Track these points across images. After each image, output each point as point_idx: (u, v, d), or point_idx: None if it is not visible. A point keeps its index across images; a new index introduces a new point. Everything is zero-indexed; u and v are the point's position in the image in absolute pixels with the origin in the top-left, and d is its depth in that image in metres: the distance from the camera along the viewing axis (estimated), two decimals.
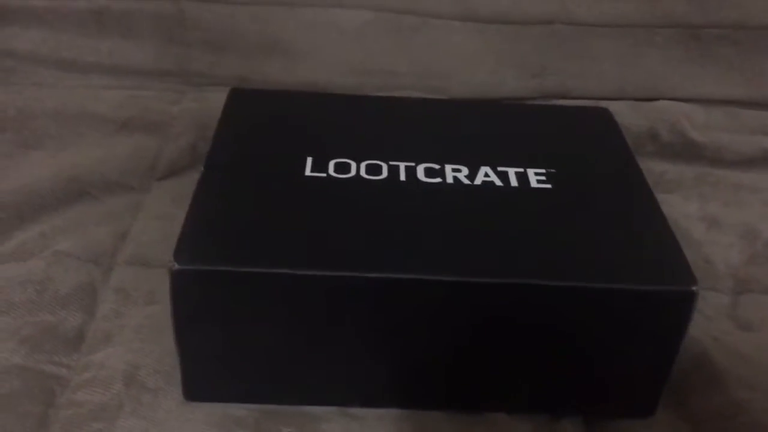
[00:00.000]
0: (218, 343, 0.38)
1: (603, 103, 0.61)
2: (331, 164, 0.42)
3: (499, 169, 0.42)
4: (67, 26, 0.62)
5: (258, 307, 0.36)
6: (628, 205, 0.42)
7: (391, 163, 0.42)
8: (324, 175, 0.41)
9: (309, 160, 0.42)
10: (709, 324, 0.46)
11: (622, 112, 0.59)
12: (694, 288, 0.36)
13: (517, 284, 0.36)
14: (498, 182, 0.42)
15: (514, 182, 0.42)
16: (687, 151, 0.59)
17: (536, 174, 0.42)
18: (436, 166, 0.42)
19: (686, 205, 0.55)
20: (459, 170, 0.42)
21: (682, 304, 0.36)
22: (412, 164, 0.42)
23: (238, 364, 0.38)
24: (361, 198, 0.40)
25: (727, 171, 0.58)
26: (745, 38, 0.60)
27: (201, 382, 0.39)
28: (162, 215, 0.51)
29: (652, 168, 0.58)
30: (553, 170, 0.43)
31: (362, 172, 0.42)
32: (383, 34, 0.62)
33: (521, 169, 0.43)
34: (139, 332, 0.43)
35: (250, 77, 0.63)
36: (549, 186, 0.42)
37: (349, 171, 0.42)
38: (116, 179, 0.54)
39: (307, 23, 0.62)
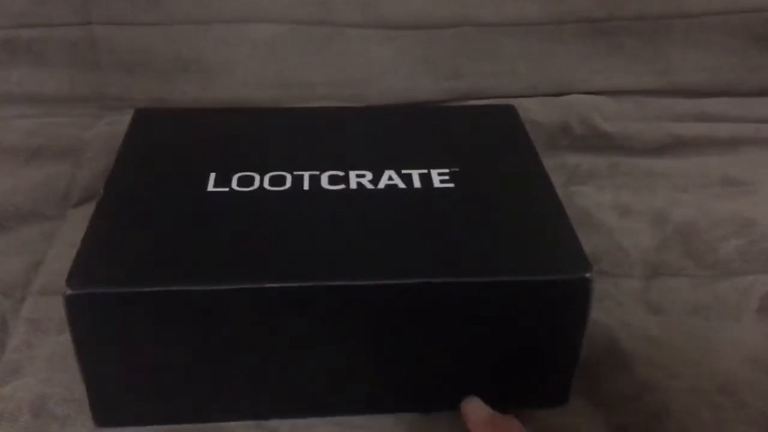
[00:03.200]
0: (122, 366, 0.37)
1: (516, 101, 0.61)
2: (235, 178, 0.42)
3: (403, 171, 0.43)
4: None
5: (157, 326, 0.36)
6: (528, 200, 0.43)
7: (295, 173, 0.43)
8: (226, 189, 0.41)
9: (212, 176, 0.42)
10: (621, 309, 0.47)
11: (535, 109, 0.61)
12: (588, 275, 0.37)
13: (419, 283, 0.36)
14: (401, 185, 0.42)
15: (417, 184, 0.42)
16: (599, 142, 0.60)
17: (439, 174, 0.43)
18: (341, 173, 0.43)
19: (600, 194, 0.56)
20: (363, 176, 0.43)
21: (580, 291, 0.37)
22: (317, 173, 0.43)
23: (144, 385, 0.38)
24: (263, 209, 0.40)
25: (639, 159, 0.59)
26: (648, 28, 0.62)
27: (110, 407, 0.38)
28: (77, 243, 0.50)
29: (567, 161, 0.60)
30: (456, 169, 0.44)
31: (266, 184, 0.42)
32: (297, 46, 0.62)
33: (425, 171, 0.43)
34: (49, 362, 0.42)
35: (166, 97, 0.62)
36: (452, 185, 0.42)
37: (252, 184, 0.42)
38: (29, 208, 0.53)
39: (220, 40, 0.62)
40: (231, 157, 0.44)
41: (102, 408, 0.38)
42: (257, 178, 0.42)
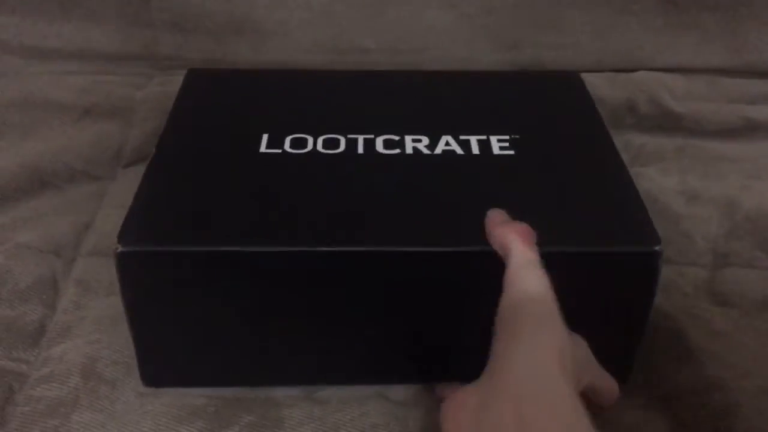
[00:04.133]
0: (171, 326, 0.37)
1: (582, 76, 0.59)
2: (287, 140, 0.41)
3: (461, 137, 0.41)
4: (30, 11, 0.61)
5: (205, 287, 0.35)
6: (592, 168, 0.40)
7: (349, 136, 0.41)
8: (279, 151, 0.40)
9: (264, 138, 0.41)
10: (686, 300, 0.45)
11: (599, 84, 0.58)
12: (657, 248, 0.34)
13: (470, 252, 0.34)
14: (459, 150, 0.40)
15: (475, 150, 0.40)
16: (666, 122, 0.57)
17: (499, 141, 0.41)
18: (396, 138, 0.41)
19: (665, 178, 0.54)
20: (419, 140, 0.41)
21: (648, 264, 0.35)
22: (371, 137, 0.41)
23: (191, 347, 0.37)
24: (315, 172, 0.39)
25: (708, 142, 0.56)
26: (725, 4, 0.58)
27: (158, 367, 0.38)
28: (127, 204, 0.49)
29: (631, 141, 0.57)
30: (516, 136, 0.41)
31: (319, 147, 0.40)
32: (353, 10, 0.60)
33: (484, 137, 0.41)
34: (99, 324, 0.42)
35: (218, 58, 0.61)
36: (512, 152, 0.40)
37: (305, 146, 0.41)
38: (80, 168, 0.52)
39: (276, 1, 0.60)
40: (284, 119, 0.43)
41: (150, 368, 0.38)
42: (310, 140, 0.41)
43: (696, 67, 0.60)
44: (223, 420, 0.37)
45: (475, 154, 0.40)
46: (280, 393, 0.39)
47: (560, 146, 0.42)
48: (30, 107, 0.56)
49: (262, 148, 0.40)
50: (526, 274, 0.32)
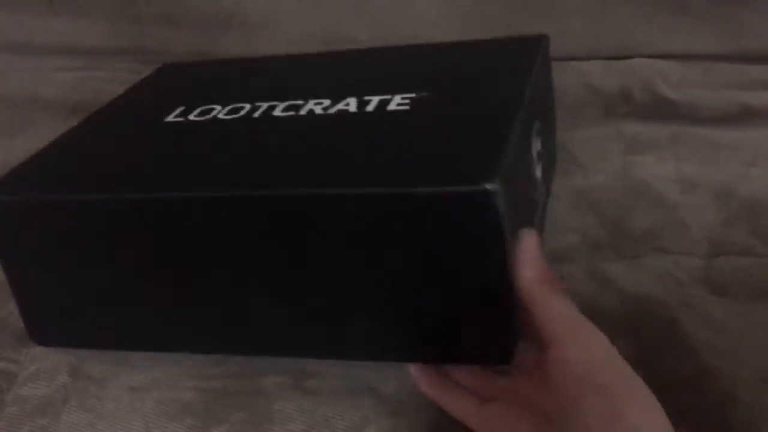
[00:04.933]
0: (49, 283, 0.36)
1: (573, 63, 0.59)
2: (197, 111, 0.42)
3: (365, 98, 0.40)
4: (19, 7, 0.60)
5: (81, 239, 0.35)
6: (475, 122, 0.36)
7: (256, 104, 0.41)
8: (182, 119, 0.41)
9: (178, 110, 0.42)
10: (681, 289, 0.44)
11: (593, 72, 0.57)
12: (488, 186, 0.29)
13: (293, 195, 0.32)
14: (353, 109, 0.39)
15: (371, 108, 0.39)
16: (661, 110, 0.57)
17: (402, 99, 0.39)
18: (300, 102, 0.41)
19: (661, 166, 0.53)
20: (320, 103, 0.40)
21: (481, 209, 0.29)
22: (275, 103, 0.41)
23: (74, 305, 0.37)
24: (204, 134, 0.40)
25: (704, 129, 0.56)
26: None
27: (43, 326, 0.38)
28: None
29: (626, 129, 0.56)
30: (424, 94, 0.39)
31: (221, 114, 0.41)
32: (343, 0, 0.60)
33: (388, 96, 0.40)
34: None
35: (206, 51, 0.61)
36: (407, 108, 0.38)
37: (209, 114, 0.41)
38: None
39: None
40: (206, 95, 0.44)
41: (36, 326, 0.38)
42: (217, 109, 0.42)
43: (691, 54, 0.59)
44: (213, 417, 0.37)
45: (368, 112, 0.39)
46: (269, 381, 0.38)
47: (461, 105, 0.38)
48: (18, 105, 0.56)
49: (168, 118, 0.42)
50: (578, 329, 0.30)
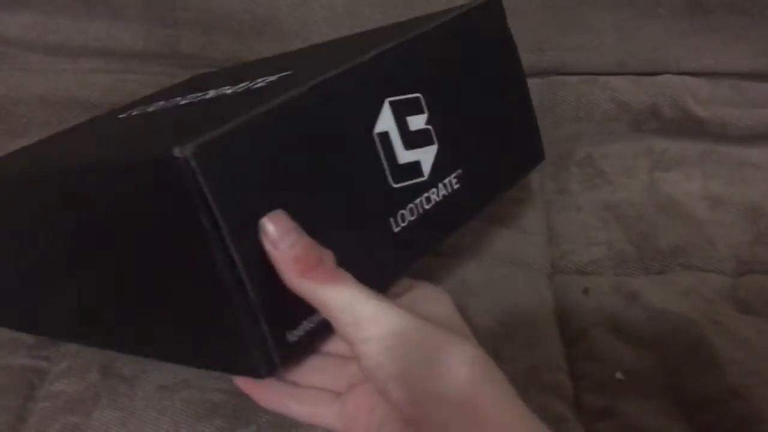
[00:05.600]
0: None
1: (603, 78, 0.59)
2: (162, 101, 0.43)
3: (258, 79, 0.36)
4: (56, 9, 0.61)
5: None
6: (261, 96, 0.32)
7: (207, 91, 0.39)
8: (141, 111, 0.42)
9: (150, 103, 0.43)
10: (708, 306, 0.44)
11: (623, 88, 0.58)
12: (176, 152, 0.25)
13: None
14: (228, 91, 0.36)
15: (239, 89, 0.36)
16: (690, 127, 0.57)
17: (266, 79, 0.35)
18: (226, 87, 0.38)
19: (689, 183, 0.53)
20: (232, 86, 0.37)
21: (174, 178, 0.25)
22: (224, 88, 0.38)
23: None
24: (129, 123, 0.40)
25: (732, 147, 0.56)
26: (753, 7, 0.58)
27: None
28: None
29: (654, 145, 0.56)
30: (288, 74, 0.35)
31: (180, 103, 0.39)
32: (377, 11, 0.60)
33: (273, 78, 0.35)
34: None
35: (241, 58, 0.61)
36: (258, 87, 0.35)
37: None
38: None
39: (299, 1, 0.60)
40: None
41: None
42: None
43: (721, 71, 0.59)
44: (241, 418, 0.37)
45: (227, 93, 0.36)
46: None
47: (289, 80, 0.34)
48: (55, 104, 0.57)
49: (134, 111, 0.42)
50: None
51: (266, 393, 0.30)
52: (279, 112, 0.28)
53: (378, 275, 0.30)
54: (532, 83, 0.50)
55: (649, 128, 0.57)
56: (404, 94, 0.32)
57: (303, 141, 0.28)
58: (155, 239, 0.28)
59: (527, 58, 0.61)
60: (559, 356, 0.42)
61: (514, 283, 0.46)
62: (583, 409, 0.39)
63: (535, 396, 0.39)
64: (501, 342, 0.42)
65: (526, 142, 0.39)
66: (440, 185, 0.33)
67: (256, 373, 0.27)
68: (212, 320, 0.28)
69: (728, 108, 0.57)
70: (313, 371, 0.30)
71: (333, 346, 0.30)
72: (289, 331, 0.27)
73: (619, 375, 0.41)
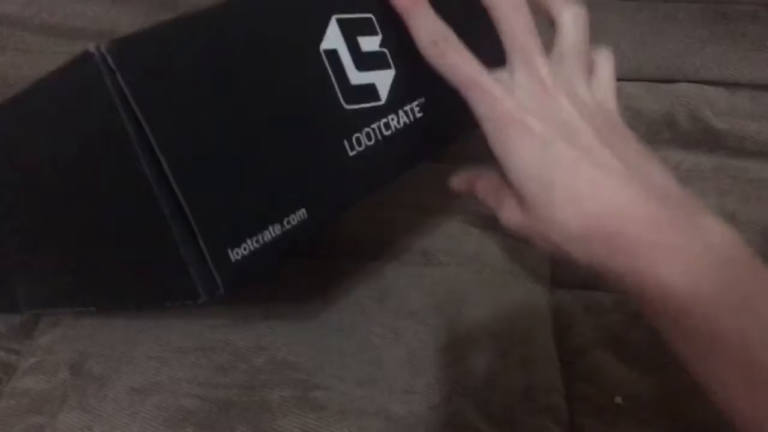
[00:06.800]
0: None
1: (617, 84, 0.56)
2: None
3: None
4: None
5: None
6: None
7: None
8: None
9: None
10: None
11: (637, 95, 0.55)
12: (90, 48, 0.24)
13: None
14: None
15: None
16: (706, 139, 0.54)
17: None
18: None
19: (702, 198, 0.51)
20: None
21: (80, 80, 0.25)
22: None
23: None
24: None
25: (749, 162, 0.53)
26: None
27: None
28: None
29: (667, 156, 0.54)
30: None
31: None
32: None
33: None
34: (92, 317, 0.40)
35: None
36: None
37: None
38: None
39: None
40: None
41: None
42: None
43: (740, 81, 0.56)
44: (215, 428, 0.35)
45: None
46: (275, 395, 0.36)
47: None
48: None
49: None
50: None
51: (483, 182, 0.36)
52: (206, 16, 0.26)
53: (333, 199, 0.29)
54: None
55: (662, 138, 0.55)
56: (354, 13, 0.30)
57: (237, 49, 0.26)
58: (88, 162, 0.26)
59: None
60: (556, 376, 0.40)
61: (512, 295, 0.44)
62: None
63: (529, 418, 0.37)
64: (495, 359, 0.40)
65: None
66: (400, 112, 0.32)
67: (195, 295, 0.25)
68: (151, 244, 0.25)
69: (747, 120, 0.54)
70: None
71: None
72: (232, 250, 0.25)
73: (618, 399, 0.39)
